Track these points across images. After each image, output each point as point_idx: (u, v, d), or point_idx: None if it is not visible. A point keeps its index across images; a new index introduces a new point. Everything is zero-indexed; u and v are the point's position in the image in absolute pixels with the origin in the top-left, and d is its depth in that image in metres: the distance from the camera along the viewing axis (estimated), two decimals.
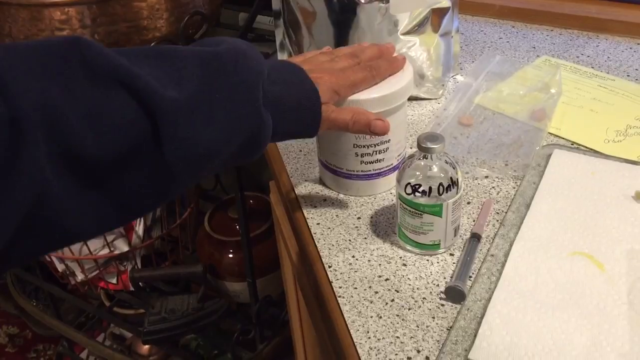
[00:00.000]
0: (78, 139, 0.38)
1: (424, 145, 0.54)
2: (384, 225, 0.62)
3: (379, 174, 0.64)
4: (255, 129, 0.48)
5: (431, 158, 0.54)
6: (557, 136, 0.71)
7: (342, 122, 0.55)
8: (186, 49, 0.46)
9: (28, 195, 0.37)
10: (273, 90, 0.50)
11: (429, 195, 0.54)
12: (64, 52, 0.40)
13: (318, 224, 0.63)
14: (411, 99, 0.79)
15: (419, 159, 0.55)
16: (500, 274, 0.54)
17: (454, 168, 0.55)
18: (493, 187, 0.65)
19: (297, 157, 0.72)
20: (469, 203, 0.63)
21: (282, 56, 0.83)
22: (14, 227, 0.37)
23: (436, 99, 0.80)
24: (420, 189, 0.54)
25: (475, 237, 0.58)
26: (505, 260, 0.55)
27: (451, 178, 0.54)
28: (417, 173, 0.55)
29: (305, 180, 0.69)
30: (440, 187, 0.54)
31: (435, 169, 0.54)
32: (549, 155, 0.66)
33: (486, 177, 0.66)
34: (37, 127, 0.37)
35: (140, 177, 0.42)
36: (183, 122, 0.42)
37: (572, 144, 0.69)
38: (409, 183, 0.54)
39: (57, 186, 0.38)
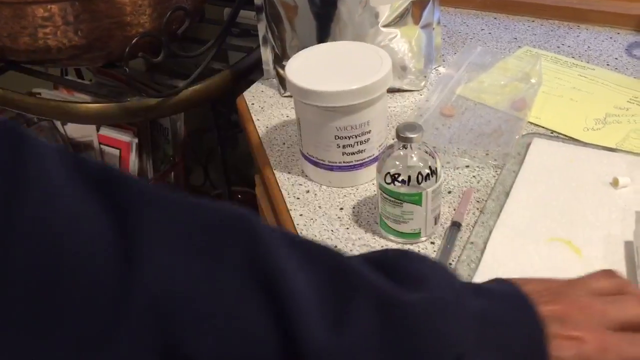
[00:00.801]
0: (191, 339, 0.30)
1: (402, 135, 0.54)
2: (366, 216, 0.62)
3: (361, 165, 0.65)
4: None
5: (410, 147, 0.55)
6: (537, 125, 0.72)
7: None
8: (365, 273, 0.35)
9: None
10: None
11: (408, 184, 0.55)
12: (229, 233, 0.33)
13: (301, 215, 0.63)
14: (394, 90, 0.80)
15: (399, 148, 0.55)
16: (480, 261, 0.54)
17: (433, 157, 0.55)
18: (474, 176, 0.66)
19: (280, 150, 0.73)
20: (450, 192, 0.64)
21: (265, 50, 0.83)
22: None
23: (418, 90, 0.81)
24: (400, 178, 0.55)
25: (456, 226, 0.59)
26: (485, 248, 0.55)
27: (430, 167, 0.55)
28: (397, 162, 0.55)
29: (289, 173, 0.69)
30: (420, 176, 0.54)
31: (414, 158, 0.55)
32: (529, 144, 0.67)
33: (467, 166, 0.67)
34: (148, 308, 0.30)
35: None
36: None
37: (551, 133, 0.70)
38: (389, 172, 0.55)
39: None
